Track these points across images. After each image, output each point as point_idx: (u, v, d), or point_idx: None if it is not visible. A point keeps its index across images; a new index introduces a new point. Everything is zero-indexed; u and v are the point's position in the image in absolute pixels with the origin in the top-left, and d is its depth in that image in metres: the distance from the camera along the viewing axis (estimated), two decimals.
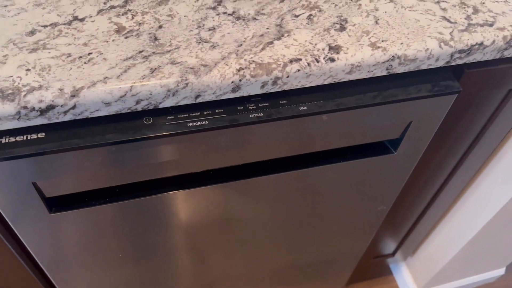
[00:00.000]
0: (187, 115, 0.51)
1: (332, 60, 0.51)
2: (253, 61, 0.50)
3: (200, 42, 0.51)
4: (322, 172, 0.66)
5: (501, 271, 1.32)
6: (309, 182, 0.68)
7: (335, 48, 0.52)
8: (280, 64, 0.50)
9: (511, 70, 0.63)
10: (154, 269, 0.78)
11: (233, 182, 0.62)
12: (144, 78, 0.47)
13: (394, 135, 0.64)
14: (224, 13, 0.56)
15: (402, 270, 1.30)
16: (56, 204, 0.57)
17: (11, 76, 0.46)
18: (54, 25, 0.52)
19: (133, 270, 0.76)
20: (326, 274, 1.12)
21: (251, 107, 0.53)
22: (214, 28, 0.53)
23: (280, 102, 0.54)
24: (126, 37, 0.51)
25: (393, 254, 1.19)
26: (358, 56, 0.52)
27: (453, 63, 0.57)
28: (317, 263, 1.02)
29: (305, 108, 0.54)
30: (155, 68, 0.48)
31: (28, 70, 0.47)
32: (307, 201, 0.73)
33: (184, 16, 0.55)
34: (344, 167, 0.66)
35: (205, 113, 0.52)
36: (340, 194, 0.73)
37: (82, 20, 0.53)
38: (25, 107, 0.44)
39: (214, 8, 0.56)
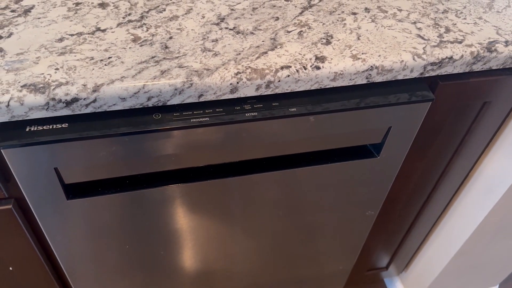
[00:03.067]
0: (191, 112, 0.59)
1: (318, 68, 0.59)
2: (249, 67, 0.58)
3: (204, 50, 0.60)
4: (311, 172, 0.72)
5: None
6: (298, 183, 0.75)
7: (321, 58, 0.60)
8: (272, 70, 0.58)
9: (483, 84, 0.71)
10: (157, 262, 0.84)
11: (227, 178, 0.69)
12: (155, 78, 0.55)
13: (376, 140, 0.71)
14: (226, 28, 0.64)
15: (396, 284, 1.34)
16: (73, 191, 0.64)
17: (43, 74, 0.54)
18: (79, 34, 0.61)
19: (138, 264, 0.82)
20: (321, 286, 1.16)
21: (247, 107, 0.61)
22: (217, 40, 0.62)
23: (273, 104, 0.61)
24: (141, 45, 0.60)
25: (387, 267, 1.23)
26: (341, 65, 0.60)
27: (427, 75, 0.65)
28: (307, 277, 1.07)
29: (294, 109, 0.61)
30: (165, 71, 0.56)
31: (57, 69, 0.55)
32: (296, 204, 0.80)
33: (192, 29, 0.63)
34: (332, 169, 0.73)
35: (206, 111, 0.60)
36: (329, 196, 0.79)
37: (103, 30, 0.61)
38: (53, 99, 0.52)
39: (217, 24, 0.65)
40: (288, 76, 0.58)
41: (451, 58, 0.64)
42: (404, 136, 0.71)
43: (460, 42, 0.65)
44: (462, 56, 0.64)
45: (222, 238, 0.83)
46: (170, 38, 0.61)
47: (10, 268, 0.80)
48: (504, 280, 1.45)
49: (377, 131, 0.68)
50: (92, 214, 0.67)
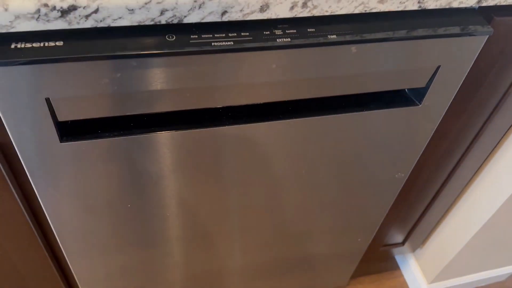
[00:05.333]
0: (211, 35, 0.49)
1: None
2: None
3: None
4: (343, 120, 0.63)
5: None
6: (324, 135, 0.65)
7: None
8: None
9: None
10: (159, 228, 0.74)
11: (248, 125, 0.60)
12: None
13: (420, 83, 0.61)
14: None
15: (410, 263, 1.26)
16: (68, 132, 0.54)
17: None
18: None
19: (139, 226, 0.72)
20: (333, 264, 1.08)
21: (278, 33, 0.51)
22: None
23: (308, 30, 0.52)
24: None
25: (403, 243, 1.15)
26: None
27: (485, 3, 0.56)
28: (322, 252, 0.99)
29: (334, 36, 0.51)
30: None
31: None
32: (318, 162, 0.70)
33: None
34: (364, 118, 0.64)
35: (230, 35, 0.50)
36: (356, 153, 0.70)
37: None
38: (45, 5, 0.42)
39: None
40: None
41: None
42: (451, 80, 0.62)
43: None
44: None
45: (229, 205, 0.74)
46: None
47: None
48: None
49: (424, 71, 0.59)
50: (90, 161, 0.57)
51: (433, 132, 0.71)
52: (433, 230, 1.14)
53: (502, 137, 0.87)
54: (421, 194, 0.94)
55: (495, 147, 0.89)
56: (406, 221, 1.04)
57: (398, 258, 1.30)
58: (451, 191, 0.97)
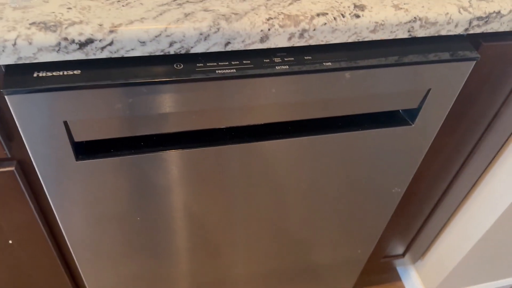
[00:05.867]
0: (215, 63, 0.53)
1: (357, 16, 0.54)
2: (282, 12, 0.52)
3: None
4: (339, 139, 0.67)
5: None
6: (322, 153, 0.69)
7: (360, 7, 0.54)
8: (307, 16, 0.52)
9: None
10: (168, 241, 0.78)
11: (245, 144, 0.64)
12: (178, 20, 0.49)
13: (413, 104, 0.65)
14: None
15: (411, 275, 1.28)
16: (83, 151, 0.58)
17: (53, 12, 0.48)
18: None
19: (148, 239, 0.76)
20: (334, 275, 1.11)
21: (277, 61, 0.55)
22: None
23: (305, 57, 0.56)
24: None
25: (403, 254, 1.18)
26: (382, 15, 0.54)
27: (471, 31, 0.59)
28: (321, 265, 1.02)
29: (329, 64, 0.55)
30: (189, 14, 0.50)
31: (69, 8, 0.49)
32: (317, 177, 0.74)
33: None
34: (360, 137, 0.67)
35: (233, 63, 0.54)
36: (354, 169, 0.74)
37: None
38: (65, 39, 0.47)
39: None
40: (325, 24, 0.53)
41: (498, 12, 0.58)
42: (442, 101, 0.65)
43: None
44: (510, 11, 0.59)
45: (234, 217, 0.78)
46: None
47: (10, 242, 0.74)
48: None
49: (415, 94, 0.63)
50: (103, 178, 0.61)
51: (427, 149, 0.75)
52: (432, 242, 1.17)
53: (498, 151, 0.90)
54: (419, 208, 0.97)
55: (491, 161, 0.92)
56: (405, 233, 1.07)
57: (399, 269, 1.33)
58: (449, 204, 1.00)
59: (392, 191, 0.81)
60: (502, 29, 0.61)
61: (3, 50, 0.46)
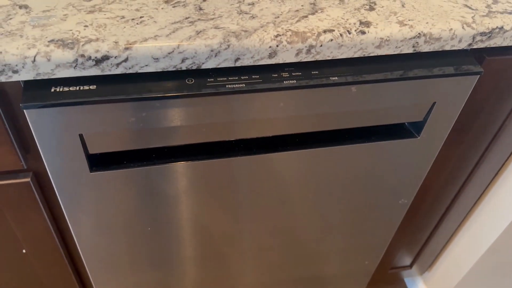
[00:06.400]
0: (225, 78, 0.55)
1: (363, 32, 0.55)
2: (290, 29, 0.54)
3: (240, 13, 0.56)
4: (346, 151, 0.68)
5: None
6: (328, 165, 0.70)
7: (365, 23, 0.56)
8: (314, 33, 0.54)
9: None
10: (181, 252, 0.80)
11: (259, 155, 0.65)
12: (190, 38, 0.51)
13: (418, 117, 0.66)
14: None
15: (418, 285, 1.28)
16: (97, 163, 0.60)
17: (71, 30, 0.51)
18: None
19: (158, 248, 0.77)
20: (341, 286, 1.11)
21: (285, 75, 0.57)
22: (253, 3, 0.58)
23: (312, 72, 0.57)
24: (174, 6, 0.56)
25: (411, 265, 1.18)
26: (387, 31, 0.56)
27: (475, 46, 0.61)
28: (328, 275, 1.02)
29: (336, 78, 0.57)
30: (200, 31, 0.52)
31: (86, 26, 0.51)
32: (324, 189, 0.75)
33: None
34: (366, 149, 0.69)
35: (242, 77, 0.56)
36: (361, 180, 0.75)
37: None
38: (82, 55, 0.49)
39: None
40: (331, 40, 0.54)
41: (501, 28, 0.60)
42: (447, 114, 0.67)
43: (511, 13, 0.61)
44: None
45: (242, 228, 0.79)
46: (204, 0, 0.58)
47: (24, 251, 0.76)
48: None
49: (421, 107, 0.64)
50: (115, 189, 0.63)
51: (433, 161, 0.76)
52: (440, 253, 1.17)
53: (504, 162, 0.90)
54: (426, 219, 0.98)
55: (497, 172, 0.93)
56: (412, 244, 1.08)
57: (407, 280, 1.33)
58: (456, 215, 1.01)
59: (399, 202, 0.82)
60: (505, 43, 0.62)
61: (23, 67, 0.48)
